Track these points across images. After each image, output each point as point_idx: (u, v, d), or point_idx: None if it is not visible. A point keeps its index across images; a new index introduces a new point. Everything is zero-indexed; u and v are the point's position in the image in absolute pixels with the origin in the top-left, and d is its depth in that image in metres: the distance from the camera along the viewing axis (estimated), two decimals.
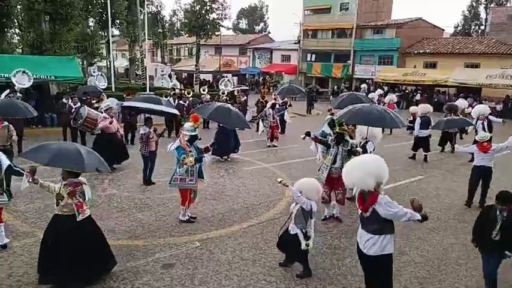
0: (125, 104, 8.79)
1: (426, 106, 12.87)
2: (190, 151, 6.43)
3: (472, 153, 8.46)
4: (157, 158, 8.90)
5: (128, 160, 10.16)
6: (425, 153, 12.01)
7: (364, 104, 8.79)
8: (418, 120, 12.20)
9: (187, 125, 6.68)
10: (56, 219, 4.73)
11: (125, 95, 14.85)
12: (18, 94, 12.37)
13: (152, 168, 8.87)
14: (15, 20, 21.80)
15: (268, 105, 13.57)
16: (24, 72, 12.99)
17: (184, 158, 6.38)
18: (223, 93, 17.36)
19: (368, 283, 4.50)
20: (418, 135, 12.14)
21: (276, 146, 13.14)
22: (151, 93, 17.80)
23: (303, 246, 5.02)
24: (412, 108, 15.01)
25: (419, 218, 4.01)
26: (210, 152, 7.14)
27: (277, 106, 14.00)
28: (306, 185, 5.12)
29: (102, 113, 10.28)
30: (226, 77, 23.46)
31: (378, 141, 8.53)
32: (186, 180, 6.51)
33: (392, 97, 17.39)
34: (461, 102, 14.63)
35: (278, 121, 13.55)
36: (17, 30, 26.81)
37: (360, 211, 4.30)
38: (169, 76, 29.30)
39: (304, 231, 5.05)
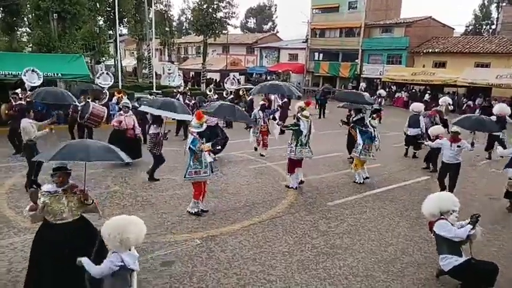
0: (142, 108, 8.94)
1: (417, 105, 12.68)
2: (203, 143, 6.64)
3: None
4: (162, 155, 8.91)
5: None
6: (414, 151, 12.22)
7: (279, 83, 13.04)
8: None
9: (194, 122, 6.83)
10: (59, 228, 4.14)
11: (116, 93, 14.46)
12: (29, 92, 12.49)
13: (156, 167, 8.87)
14: (25, 19, 22.04)
15: (257, 107, 12.10)
16: (33, 70, 13.13)
17: (201, 145, 6.55)
18: (227, 94, 17.27)
19: None
20: (407, 134, 12.19)
21: (263, 156, 11.37)
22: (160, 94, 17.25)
23: None
24: (497, 109, 12.51)
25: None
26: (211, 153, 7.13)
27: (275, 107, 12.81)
28: (143, 229, 3.90)
29: (118, 110, 10.39)
30: (234, 76, 23.43)
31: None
32: (201, 173, 6.67)
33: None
34: (445, 99, 14.23)
35: (268, 126, 11.69)
36: (27, 29, 27.10)
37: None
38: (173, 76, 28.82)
39: None
